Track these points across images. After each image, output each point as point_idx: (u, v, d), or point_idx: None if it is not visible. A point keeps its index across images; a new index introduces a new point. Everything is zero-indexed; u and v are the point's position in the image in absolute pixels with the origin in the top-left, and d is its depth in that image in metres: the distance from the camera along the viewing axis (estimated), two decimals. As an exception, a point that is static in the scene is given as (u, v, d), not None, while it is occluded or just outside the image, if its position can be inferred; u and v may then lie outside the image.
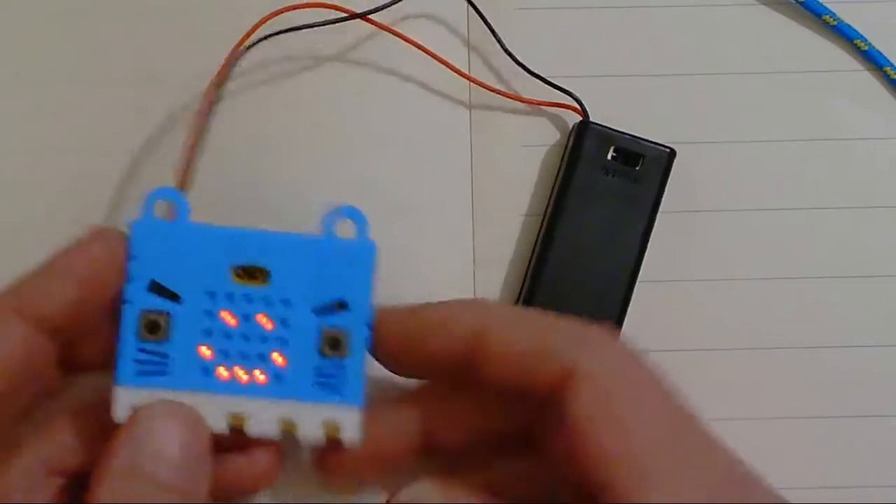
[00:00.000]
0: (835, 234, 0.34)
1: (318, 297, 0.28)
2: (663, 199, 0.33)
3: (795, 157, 0.35)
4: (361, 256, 0.28)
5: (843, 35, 0.35)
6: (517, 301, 0.33)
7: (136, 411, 0.26)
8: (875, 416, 0.34)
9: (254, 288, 0.28)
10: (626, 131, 0.33)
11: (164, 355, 0.27)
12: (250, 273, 0.28)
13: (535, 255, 0.33)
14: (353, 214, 0.29)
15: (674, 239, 0.34)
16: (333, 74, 0.34)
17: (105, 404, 0.26)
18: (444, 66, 0.34)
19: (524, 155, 0.34)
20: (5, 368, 0.25)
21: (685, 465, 0.23)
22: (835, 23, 0.35)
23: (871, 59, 0.35)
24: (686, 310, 0.34)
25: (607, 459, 0.23)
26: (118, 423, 0.26)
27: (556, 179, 0.33)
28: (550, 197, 0.33)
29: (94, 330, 0.27)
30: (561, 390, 0.24)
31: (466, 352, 0.26)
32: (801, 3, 0.35)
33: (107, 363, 0.27)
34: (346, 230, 0.28)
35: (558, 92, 0.34)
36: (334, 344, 0.28)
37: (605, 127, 0.33)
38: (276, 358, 0.28)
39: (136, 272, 0.27)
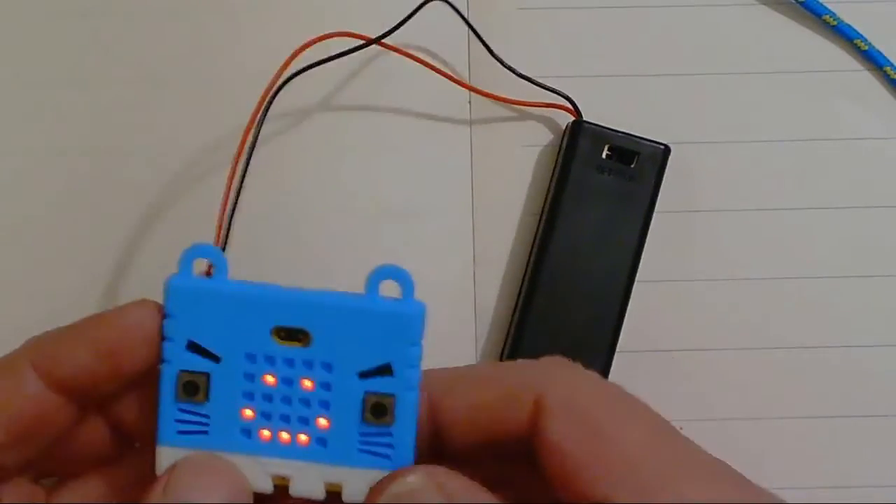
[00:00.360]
0: (834, 233, 0.34)
1: (361, 360, 0.27)
2: (663, 198, 0.33)
3: (795, 157, 0.35)
4: (408, 319, 0.27)
5: (843, 35, 0.35)
6: (516, 302, 0.33)
7: (175, 464, 0.25)
8: (875, 416, 0.34)
9: (296, 349, 0.27)
10: (620, 129, 0.33)
11: (205, 416, 0.26)
12: (292, 334, 0.27)
13: (532, 257, 0.33)
14: (399, 275, 0.27)
15: (673, 239, 0.34)
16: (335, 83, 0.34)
17: None
18: (444, 69, 0.34)
19: (524, 155, 0.34)
20: (9, 418, 0.24)
21: (682, 467, 0.23)
22: (835, 23, 0.35)
23: (871, 58, 0.35)
24: (686, 309, 0.34)
25: (604, 475, 0.22)
26: None
27: (551, 180, 0.34)
28: (546, 197, 0.33)
29: (137, 401, 0.27)
30: (536, 423, 0.24)
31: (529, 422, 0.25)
32: (801, 3, 0.35)
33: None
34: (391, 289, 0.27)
35: (548, 94, 0.34)
36: (379, 411, 0.27)
37: (599, 126, 0.33)
38: (320, 421, 0.27)
39: (174, 331, 0.26)
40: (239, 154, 0.30)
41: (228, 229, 0.30)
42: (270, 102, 0.31)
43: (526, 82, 0.34)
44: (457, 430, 0.25)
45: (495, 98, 0.34)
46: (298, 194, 0.34)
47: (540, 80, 0.33)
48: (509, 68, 0.33)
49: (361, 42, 0.32)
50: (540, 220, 0.33)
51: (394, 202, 0.34)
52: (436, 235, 0.34)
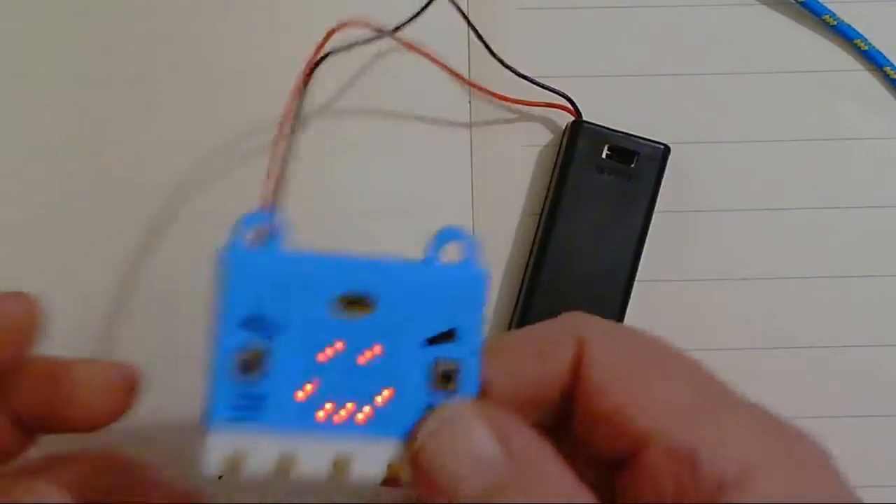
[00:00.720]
0: (835, 233, 0.35)
1: (427, 326, 0.26)
2: (664, 198, 0.33)
3: (795, 157, 0.35)
4: (472, 283, 0.26)
5: (843, 35, 0.35)
6: (516, 302, 0.33)
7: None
8: (875, 416, 0.34)
9: (358, 319, 0.25)
10: (620, 129, 0.33)
11: (261, 395, 0.25)
12: (356, 302, 0.26)
13: (532, 256, 0.33)
14: (463, 237, 0.26)
15: (674, 239, 0.34)
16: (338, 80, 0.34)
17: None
18: (444, 68, 0.34)
19: (524, 155, 0.34)
20: None
21: (721, 404, 0.23)
22: (835, 23, 0.35)
23: (871, 58, 0.35)
24: (686, 310, 0.34)
25: (649, 413, 0.22)
26: (209, 477, 0.24)
27: (551, 180, 0.34)
28: (546, 197, 0.33)
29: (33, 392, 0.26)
30: (579, 367, 0.24)
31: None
32: (801, 3, 0.35)
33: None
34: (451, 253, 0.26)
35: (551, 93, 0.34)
36: (447, 377, 0.26)
37: (599, 126, 0.33)
38: (384, 394, 0.25)
39: (228, 306, 0.25)
40: (279, 138, 0.29)
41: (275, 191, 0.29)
42: (305, 87, 0.30)
43: (526, 82, 0.34)
44: (498, 392, 0.25)
45: (496, 97, 0.34)
46: (298, 194, 0.34)
47: (540, 80, 0.34)
48: (509, 68, 0.34)
49: (375, 34, 0.31)
50: (540, 220, 0.33)
51: (393, 201, 0.34)
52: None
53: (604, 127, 0.33)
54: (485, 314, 0.26)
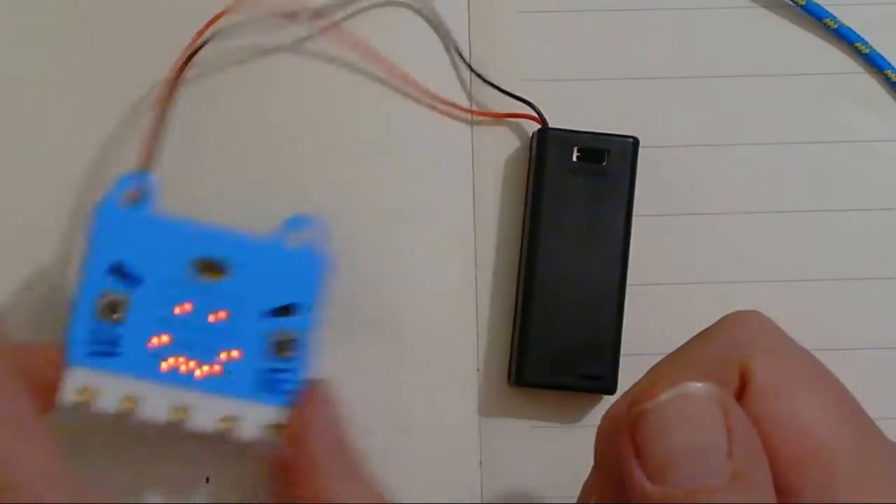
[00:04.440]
0: (836, 236, 0.35)
1: (272, 298, 0.29)
2: (661, 202, 0.33)
3: (797, 160, 0.35)
4: (313, 263, 0.29)
5: (844, 38, 0.35)
6: (516, 309, 0.33)
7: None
8: (882, 419, 0.34)
9: (211, 283, 0.29)
10: (586, 130, 0.33)
11: (117, 337, 0.28)
12: (209, 267, 0.29)
13: (522, 267, 0.33)
14: (312, 223, 0.29)
15: (674, 242, 0.34)
16: (328, 85, 0.35)
17: None
18: (441, 72, 0.34)
19: (525, 158, 0.35)
20: None
21: (872, 463, 0.22)
22: (835, 26, 0.35)
23: (872, 62, 0.35)
24: (687, 311, 0.34)
25: (795, 461, 0.21)
26: (63, 405, 0.27)
27: (527, 190, 0.34)
28: (525, 208, 0.34)
29: None
30: (741, 392, 0.22)
31: None
32: (802, 7, 0.35)
33: None
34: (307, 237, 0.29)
35: (518, 102, 0.34)
36: (282, 346, 0.29)
37: (564, 130, 0.33)
38: (225, 354, 0.28)
39: (98, 254, 0.28)
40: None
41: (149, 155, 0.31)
42: (185, 63, 0.32)
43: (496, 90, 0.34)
44: None
45: (461, 109, 0.34)
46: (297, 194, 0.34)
47: (508, 89, 0.34)
48: (479, 76, 0.34)
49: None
50: (523, 231, 0.33)
51: (394, 204, 0.34)
52: (437, 239, 0.34)
53: (569, 130, 0.33)
54: (322, 294, 0.29)
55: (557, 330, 0.32)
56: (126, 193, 0.29)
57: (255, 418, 0.28)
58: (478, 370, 0.33)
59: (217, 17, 0.32)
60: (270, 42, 0.34)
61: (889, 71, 0.35)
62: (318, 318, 0.29)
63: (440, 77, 0.34)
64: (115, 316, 0.28)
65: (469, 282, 0.34)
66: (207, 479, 0.31)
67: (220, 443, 0.31)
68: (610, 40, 0.35)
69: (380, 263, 0.33)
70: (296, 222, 0.29)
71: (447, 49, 0.35)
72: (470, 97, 0.35)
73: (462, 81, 0.35)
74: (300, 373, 0.28)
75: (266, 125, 0.34)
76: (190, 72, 0.32)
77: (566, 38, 0.35)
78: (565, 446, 0.33)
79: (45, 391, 0.27)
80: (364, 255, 0.33)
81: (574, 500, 0.27)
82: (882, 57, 0.35)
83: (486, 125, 0.35)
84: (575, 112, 0.34)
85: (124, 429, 0.30)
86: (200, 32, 0.32)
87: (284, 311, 0.29)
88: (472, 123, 0.35)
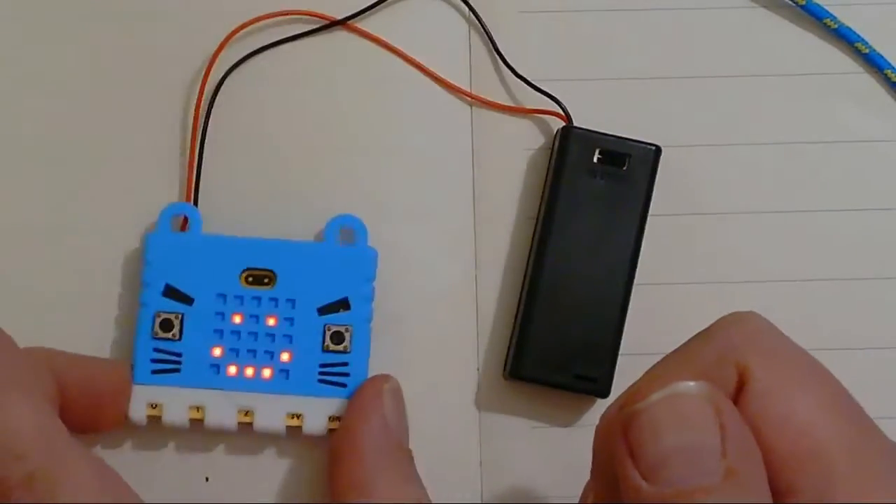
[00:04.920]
0: (836, 236, 0.34)
1: (321, 296, 0.30)
2: (665, 202, 0.33)
3: (796, 160, 0.35)
4: (364, 256, 0.31)
5: (844, 38, 0.35)
6: (518, 308, 0.33)
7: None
8: (883, 419, 0.34)
9: (262, 290, 0.30)
10: (610, 132, 0.33)
11: (178, 354, 0.30)
12: (258, 278, 0.30)
13: (530, 264, 0.33)
14: (354, 223, 0.31)
15: (675, 242, 0.34)
16: (333, 85, 0.35)
17: None
18: (444, 70, 0.35)
19: (526, 157, 0.35)
20: None
21: (870, 462, 0.22)
22: (835, 26, 0.35)
23: (872, 62, 0.35)
24: (687, 312, 0.34)
25: (792, 461, 0.21)
26: (133, 422, 0.29)
27: (544, 186, 0.34)
28: (541, 204, 0.34)
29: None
30: (738, 392, 0.22)
31: None
32: (802, 7, 0.35)
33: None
34: (347, 237, 0.31)
35: (544, 97, 0.34)
36: (338, 339, 0.30)
37: (588, 130, 0.33)
38: (283, 355, 0.30)
39: (151, 278, 0.30)
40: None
41: (197, 188, 0.33)
42: (213, 98, 0.33)
43: (525, 86, 0.34)
44: None
45: (489, 104, 0.34)
46: (304, 202, 0.34)
47: (536, 83, 0.34)
48: (510, 69, 0.34)
49: (324, 22, 0.34)
50: (536, 227, 0.34)
51: (394, 202, 0.34)
52: (437, 239, 0.34)
53: (593, 131, 0.33)
54: (374, 288, 0.31)
55: (558, 329, 0.32)
56: (173, 220, 0.31)
57: (318, 412, 0.30)
58: (478, 370, 0.33)
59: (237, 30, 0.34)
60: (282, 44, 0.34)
61: (889, 71, 0.35)
62: (370, 310, 0.31)
63: (445, 68, 0.35)
64: (170, 334, 0.30)
65: (469, 279, 0.34)
66: (207, 478, 0.31)
67: (219, 443, 0.31)
68: (609, 40, 0.35)
69: (384, 262, 0.33)
70: (340, 221, 0.31)
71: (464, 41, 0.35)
72: (470, 99, 0.35)
73: (495, 74, 0.35)
74: (358, 363, 0.30)
75: (278, 125, 0.35)
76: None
77: (566, 38, 0.35)
78: (566, 446, 0.33)
79: (111, 407, 0.29)
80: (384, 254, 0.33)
81: (574, 501, 0.27)
82: (882, 57, 0.35)
83: (485, 125, 0.35)
84: (574, 112, 0.34)
85: (124, 429, 0.31)
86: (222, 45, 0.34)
87: (336, 307, 0.30)
88: (471, 113, 0.35)
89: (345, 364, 0.30)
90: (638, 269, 0.33)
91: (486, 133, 0.35)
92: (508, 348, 0.33)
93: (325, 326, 0.30)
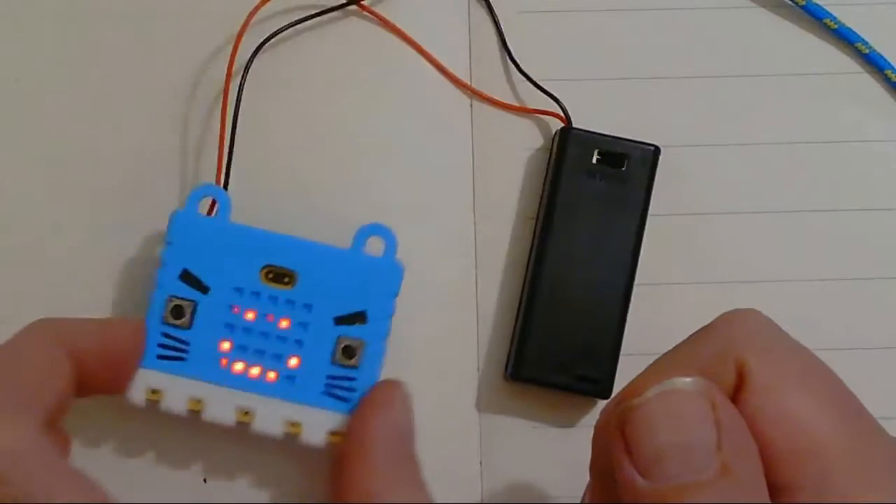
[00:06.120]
0: (836, 236, 0.34)
1: (340, 306, 0.29)
2: (666, 202, 0.33)
3: (797, 160, 0.35)
4: (387, 274, 0.29)
5: (844, 38, 0.35)
6: (518, 308, 0.33)
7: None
8: (884, 419, 0.34)
9: (280, 290, 0.29)
10: (609, 132, 0.33)
11: (185, 342, 0.29)
12: (278, 275, 0.29)
13: (530, 265, 0.33)
14: (384, 233, 0.30)
15: (675, 243, 0.34)
16: (333, 82, 0.35)
17: None
18: (445, 69, 0.34)
19: (525, 157, 0.35)
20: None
21: (869, 459, 0.22)
22: (835, 26, 0.35)
23: (873, 62, 0.35)
24: (686, 309, 0.34)
25: (790, 457, 0.21)
26: (131, 403, 0.28)
27: (543, 187, 0.34)
28: (540, 205, 0.34)
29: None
30: (737, 389, 0.22)
31: None
32: (802, 7, 0.35)
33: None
34: (375, 247, 0.30)
35: (545, 97, 0.34)
36: (349, 353, 0.29)
37: (587, 131, 0.33)
38: (291, 360, 0.29)
39: (171, 260, 0.29)
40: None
41: (228, 172, 0.31)
42: (243, 77, 0.32)
43: (524, 86, 0.34)
44: None
45: (489, 100, 0.34)
46: (304, 201, 0.34)
47: (539, 83, 0.34)
48: (517, 66, 0.34)
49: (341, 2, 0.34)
50: (535, 228, 0.34)
51: (394, 201, 0.34)
52: (437, 238, 0.34)
53: (592, 132, 0.33)
54: (395, 305, 0.29)
55: (558, 330, 0.32)
56: (201, 203, 0.30)
57: (318, 424, 0.29)
58: (478, 370, 0.33)
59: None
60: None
61: (889, 71, 0.35)
62: (388, 328, 0.29)
63: (447, 59, 0.35)
64: (179, 321, 0.29)
65: (469, 279, 0.34)
66: (205, 479, 0.31)
67: (218, 442, 0.31)
68: (609, 40, 0.35)
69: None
70: (370, 230, 0.30)
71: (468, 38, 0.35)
72: (471, 96, 0.35)
73: (496, 73, 0.35)
74: (367, 381, 0.29)
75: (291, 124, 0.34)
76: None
77: (565, 38, 0.35)
78: (566, 447, 0.33)
79: (129, 368, 0.28)
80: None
81: (574, 500, 0.27)
82: (882, 57, 0.35)
83: (485, 125, 0.35)
84: (574, 112, 0.34)
85: (123, 422, 0.31)
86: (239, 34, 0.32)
87: (353, 318, 0.29)
88: (471, 112, 0.35)
89: (352, 379, 0.29)
90: (638, 270, 0.33)
91: (486, 132, 0.35)
92: (509, 349, 0.33)
93: (338, 338, 0.29)
